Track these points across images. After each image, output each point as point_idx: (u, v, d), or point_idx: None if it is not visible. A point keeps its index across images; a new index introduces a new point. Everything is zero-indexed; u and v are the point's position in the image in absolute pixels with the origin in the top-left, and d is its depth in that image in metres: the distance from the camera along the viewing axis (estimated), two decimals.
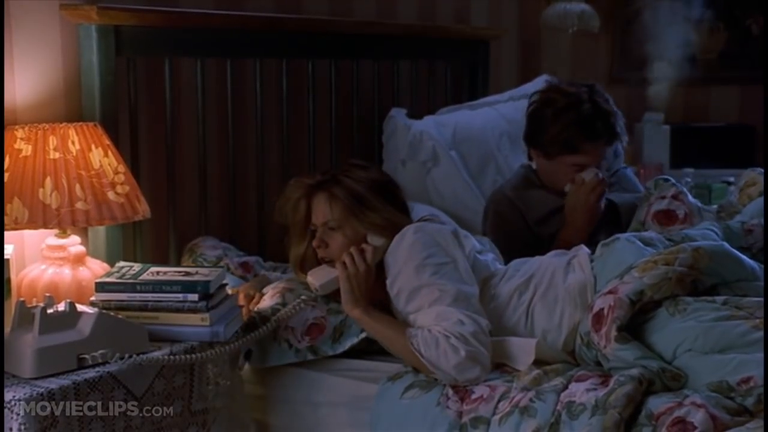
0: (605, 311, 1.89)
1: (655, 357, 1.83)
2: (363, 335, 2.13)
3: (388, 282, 2.10)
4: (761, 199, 2.52)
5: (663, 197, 2.52)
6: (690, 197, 2.56)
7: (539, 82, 3.42)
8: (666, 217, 2.48)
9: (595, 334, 1.91)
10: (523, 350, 1.99)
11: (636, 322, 1.90)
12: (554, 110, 2.57)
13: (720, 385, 1.73)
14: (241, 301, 2.25)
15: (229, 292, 2.15)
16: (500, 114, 3.38)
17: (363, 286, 2.10)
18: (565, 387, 1.83)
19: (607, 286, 1.97)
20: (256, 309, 2.21)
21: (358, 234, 2.16)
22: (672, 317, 1.87)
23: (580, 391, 1.78)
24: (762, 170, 2.66)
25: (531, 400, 1.81)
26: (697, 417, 1.63)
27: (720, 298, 1.89)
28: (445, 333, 1.95)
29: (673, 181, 2.61)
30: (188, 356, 1.90)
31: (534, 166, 2.71)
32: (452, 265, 2.08)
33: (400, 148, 3.13)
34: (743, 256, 2.03)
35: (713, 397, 1.69)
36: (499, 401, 1.85)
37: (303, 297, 2.15)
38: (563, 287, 2.08)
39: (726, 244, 2.05)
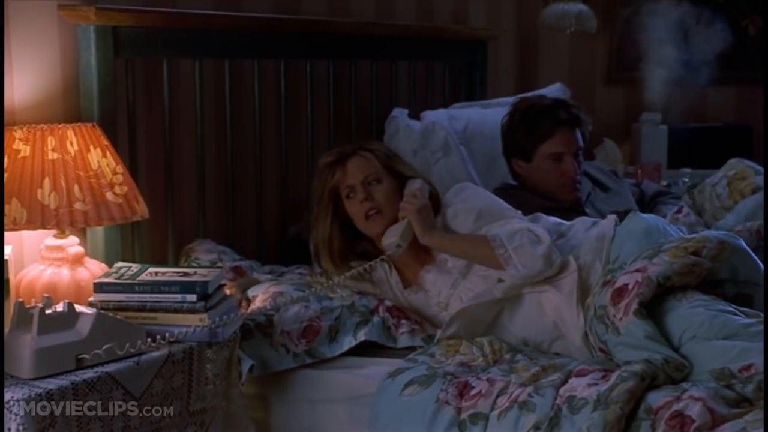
0: (630, 286, 1.93)
1: (661, 341, 1.86)
2: (362, 338, 2.15)
3: (450, 210, 2.30)
4: (756, 198, 2.51)
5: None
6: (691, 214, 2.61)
7: (554, 89, 3.47)
8: None
9: (612, 307, 1.94)
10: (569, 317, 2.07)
11: (646, 306, 1.93)
12: (520, 114, 2.85)
13: (722, 372, 1.76)
14: None
15: None
16: None
17: (430, 215, 2.27)
18: (564, 382, 1.85)
19: (634, 264, 2.00)
20: (248, 314, 2.21)
21: (397, 183, 2.35)
22: (680, 303, 1.91)
23: (582, 386, 1.80)
24: (749, 162, 2.66)
25: (530, 395, 1.83)
26: (695, 410, 1.65)
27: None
28: (529, 229, 2.15)
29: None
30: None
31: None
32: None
33: (412, 138, 3.14)
34: (759, 261, 2.06)
35: (712, 389, 1.71)
36: (497, 397, 1.87)
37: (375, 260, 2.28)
38: (584, 234, 2.22)
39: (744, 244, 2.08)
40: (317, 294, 2.25)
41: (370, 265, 2.29)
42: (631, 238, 2.12)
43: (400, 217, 2.29)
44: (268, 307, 2.21)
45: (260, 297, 2.29)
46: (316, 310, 2.20)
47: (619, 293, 1.94)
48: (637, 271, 1.96)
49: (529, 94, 3.07)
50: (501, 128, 2.92)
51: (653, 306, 1.92)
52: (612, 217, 2.24)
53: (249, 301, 2.36)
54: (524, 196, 2.77)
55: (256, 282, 2.45)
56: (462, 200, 2.33)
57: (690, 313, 1.87)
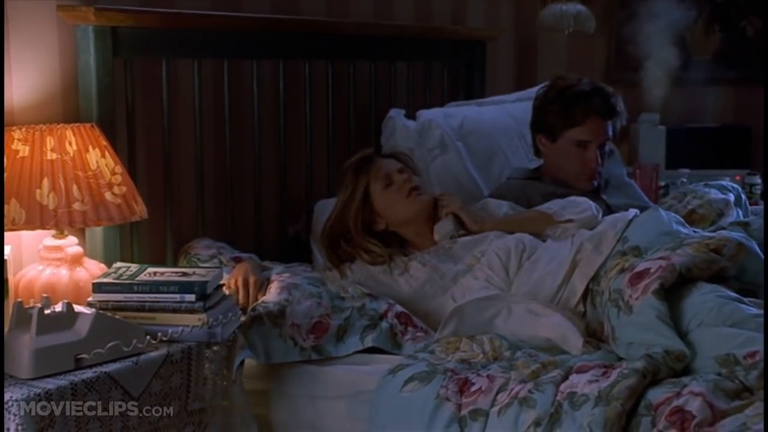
0: (652, 270, 1.98)
1: (670, 324, 1.88)
2: (369, 344, 2.16)
3: (479, 203, 2.64)
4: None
5: None
6: None
7: None
8: None
9: (629, 288, 1.98)
10: (572, 333, 2.07)
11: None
12: (555, 92, 2.80)
13: (727, 358, 1.78)
14: (237, 284, 2.27)
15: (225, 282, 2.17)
16: (508, 112, 3.39)
17: (471, 210, 2.54)
18: (564, 378, 1.86)
19: (656, 253, 2.06)
20: (261, 302, 2.20)
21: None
22: (690, 292, 1.96)
23: (582, 382, 1.81)
24: None
25: (530, 391, 1.84)
26: (695, 406, 1.66)
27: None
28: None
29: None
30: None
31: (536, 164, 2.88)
32: None
33: (409, 137, 3.12)
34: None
35: (711, 382, 1.72)
36: (497, 393, 1.87)
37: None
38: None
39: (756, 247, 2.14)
40: (330, 292, 2.26)
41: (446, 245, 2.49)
42: (647, 216, 2.27)
43: (443, 214, 2.52)
44: (284, 298, 2.21)
45: (275, 285, 2.29)
46: (327, 307, 2.21)
47: (639, 276, 1.99)
48: (661, 258, 2.02)
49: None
50: (534, 101, 2.91)
51: (666, 293, 1.95)
52: (634, 210, 2.37)
53: (269, 282, 2.35)
54: (543, 187, 2.78)
55: (267, 268, 2.46)
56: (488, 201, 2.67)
57: (700, 300, 1.92)
